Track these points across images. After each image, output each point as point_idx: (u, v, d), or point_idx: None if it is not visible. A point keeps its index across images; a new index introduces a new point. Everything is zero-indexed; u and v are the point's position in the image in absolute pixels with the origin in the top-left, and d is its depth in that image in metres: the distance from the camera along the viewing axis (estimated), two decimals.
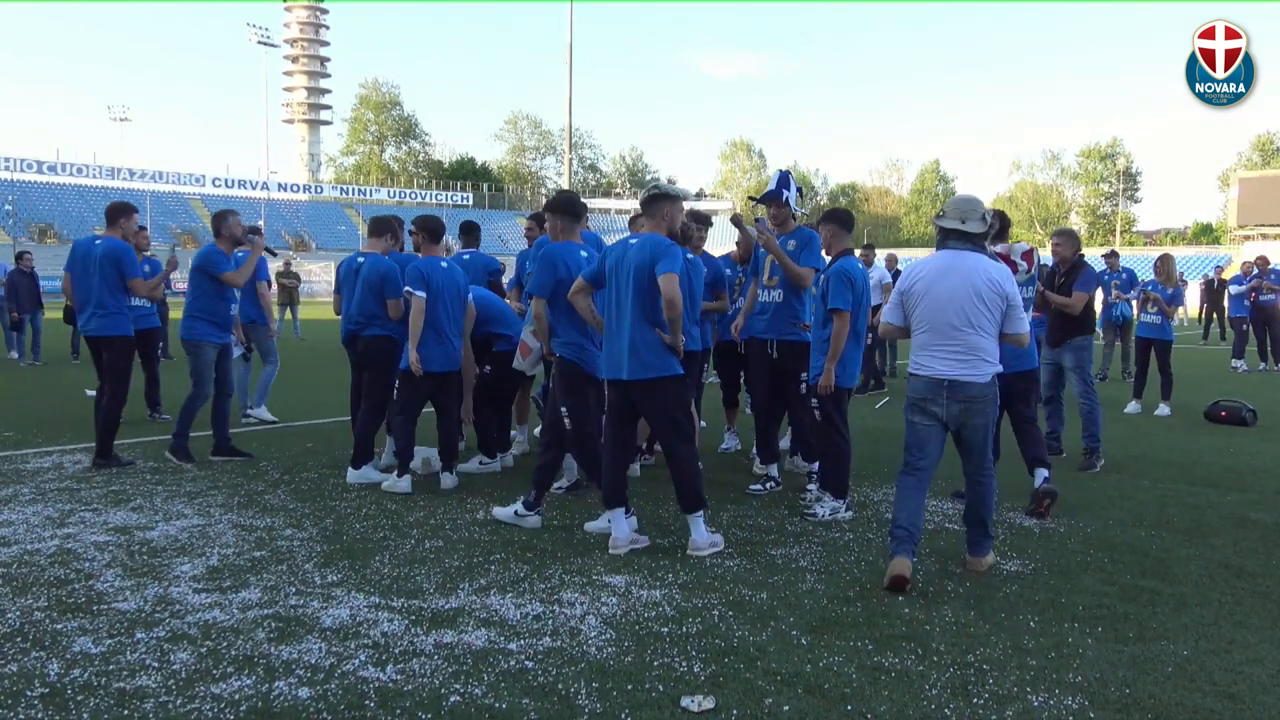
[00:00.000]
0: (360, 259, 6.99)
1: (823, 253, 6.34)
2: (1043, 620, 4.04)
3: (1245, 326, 16.53)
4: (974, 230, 4.65)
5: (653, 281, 4.89)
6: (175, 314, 10.32)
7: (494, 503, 6.00)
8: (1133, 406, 10.82)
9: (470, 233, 8.01)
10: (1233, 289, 17.08)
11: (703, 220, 7.18)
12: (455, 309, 6.43)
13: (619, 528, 5.02)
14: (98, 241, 7.17)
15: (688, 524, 5.03)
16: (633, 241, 5.08)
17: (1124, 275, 14.43)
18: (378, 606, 4.09)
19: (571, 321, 5.44)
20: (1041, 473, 6.02)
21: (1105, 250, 16.93)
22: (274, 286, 21.41)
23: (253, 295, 9.08)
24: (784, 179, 6.54)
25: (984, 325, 4.55)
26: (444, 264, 6.44)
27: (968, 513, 4.81)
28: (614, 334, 5.04)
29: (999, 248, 6.34)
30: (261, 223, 67.45)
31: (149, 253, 9.87)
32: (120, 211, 7.41)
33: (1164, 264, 11.22)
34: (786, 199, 6.42)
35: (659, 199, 5.13)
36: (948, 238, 4.70)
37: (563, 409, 5.43)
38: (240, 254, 7.81)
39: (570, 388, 5.46)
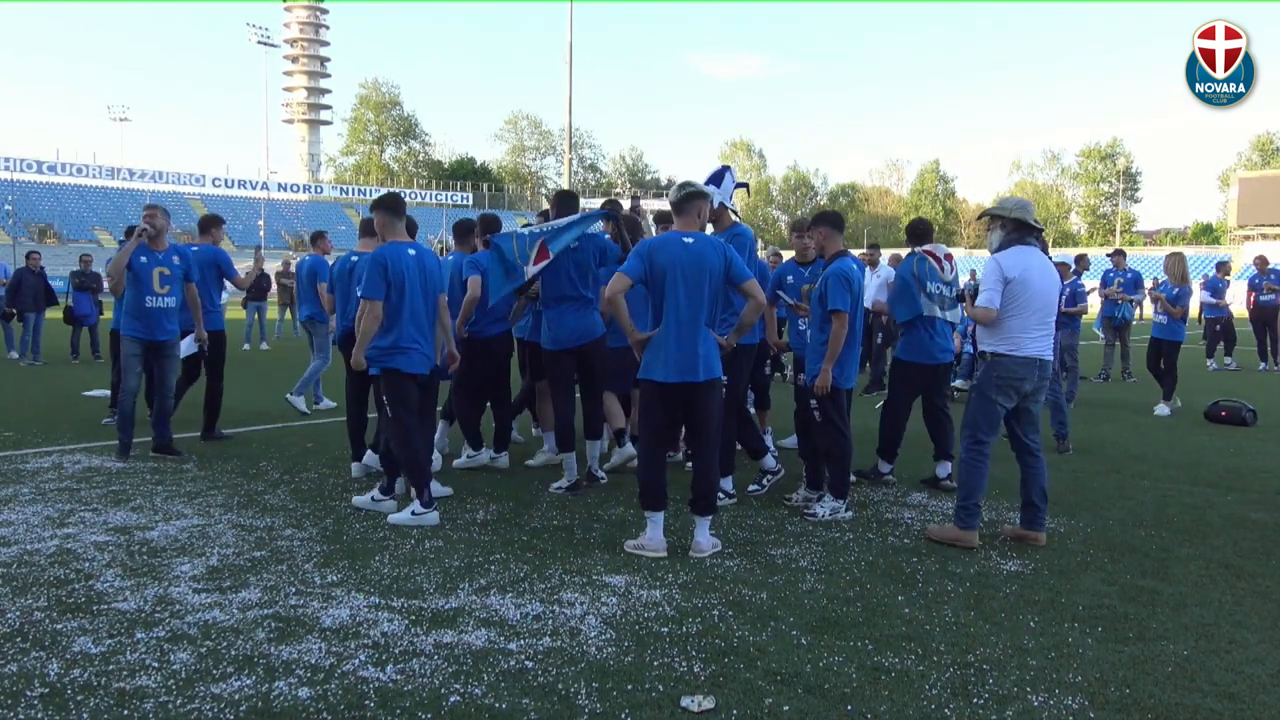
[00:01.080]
0: (354, 258, 7.00)
1: (815, 254, 6.34)
2: (1043, 620, 4.04)
3: (1218, 327, 16.55)
4: (1038, 226, 5.29)
5: (724, 284, 4.95)
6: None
7: (492, 501, 6.00)
8: (1161, 409, 10.71)
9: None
10: (1205, 297, 16.68)
11: (668, 219, 7.15)
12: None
13: (659, 530, 4.98)
14: (194, 249, 8.01)
15: (695, 526, 5.02)
16: (688, 240, 4.91)
17: (1129, 275, 14.30)
18: (378, 606, 4.09)
19: (390, 324, 5.52)
20: (946, 466, 6.51)
21: (1111, 250, 16.87)
22: (274, 285, 21.41)
23: (313, 294, 9.82)
24: (717, 175, 6.42)
25: (1056, 311, 5.33)
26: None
27: (1031, 489, 5.21)
28: (684, 336, 4.85)
29: (928, 247, 6.79)
30: (262, 222, 67.50)
31: None
32: (212, 222, 8.70)
33: (1170, 262, 11.22)
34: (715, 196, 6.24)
35: (695, 196, 5.03)
36: (1027, 233, 5.23)
37: (389, 410, 5.60)
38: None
39: (393, 389, 5.58)
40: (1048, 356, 5.14)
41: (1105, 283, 14.42)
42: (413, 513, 5.47)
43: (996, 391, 5.13)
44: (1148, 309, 24.91)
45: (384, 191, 6.40)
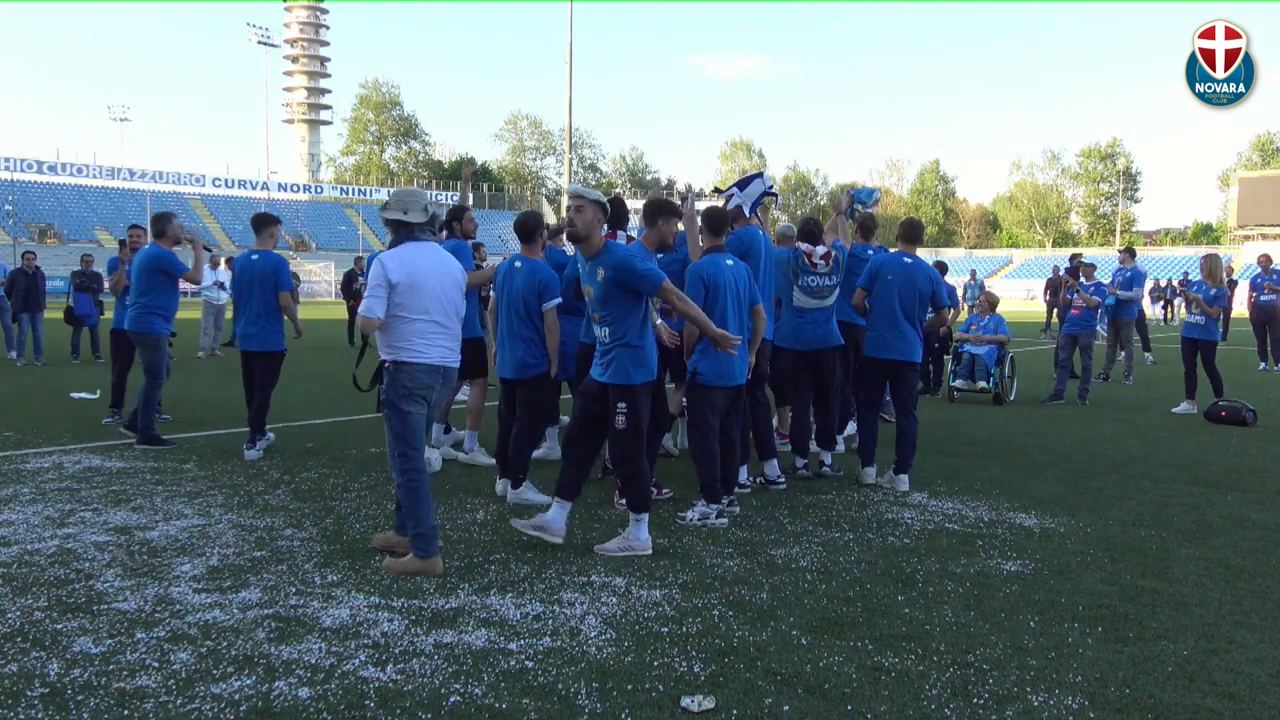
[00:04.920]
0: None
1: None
2: (1043, 620, 4.04)
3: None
4: (418, 222, 4.69)
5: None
6: (180, 314, 10.34)
7: (492, 501, 6.00)
8: (1184, 407, 10.74)
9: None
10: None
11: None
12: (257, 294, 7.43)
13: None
14: (254, 257, 7.63)
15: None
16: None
17: (1128, 274, 14.30)
18: (378, 606, 4.09)
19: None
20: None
21: (1122, 248, 16.89)
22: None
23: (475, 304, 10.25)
24: (744, 181, 7.01)
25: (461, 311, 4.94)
26: (254, 256, 7.49)
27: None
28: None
29: (804, 246, 6.92)
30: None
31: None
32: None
33: (1207, 263, 11.30)
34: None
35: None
36: (410, 231, 4.70)
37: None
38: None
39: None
40: (452, 363, 4.73)
41: (1111, 280, 14.46)
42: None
43: (407, 402, 4.57)
44: (1148, 310, 24.97)
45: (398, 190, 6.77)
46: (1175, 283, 26.64)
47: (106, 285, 9.09)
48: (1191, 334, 10.94)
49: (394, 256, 4.60)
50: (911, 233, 6.97)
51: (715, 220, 5.88)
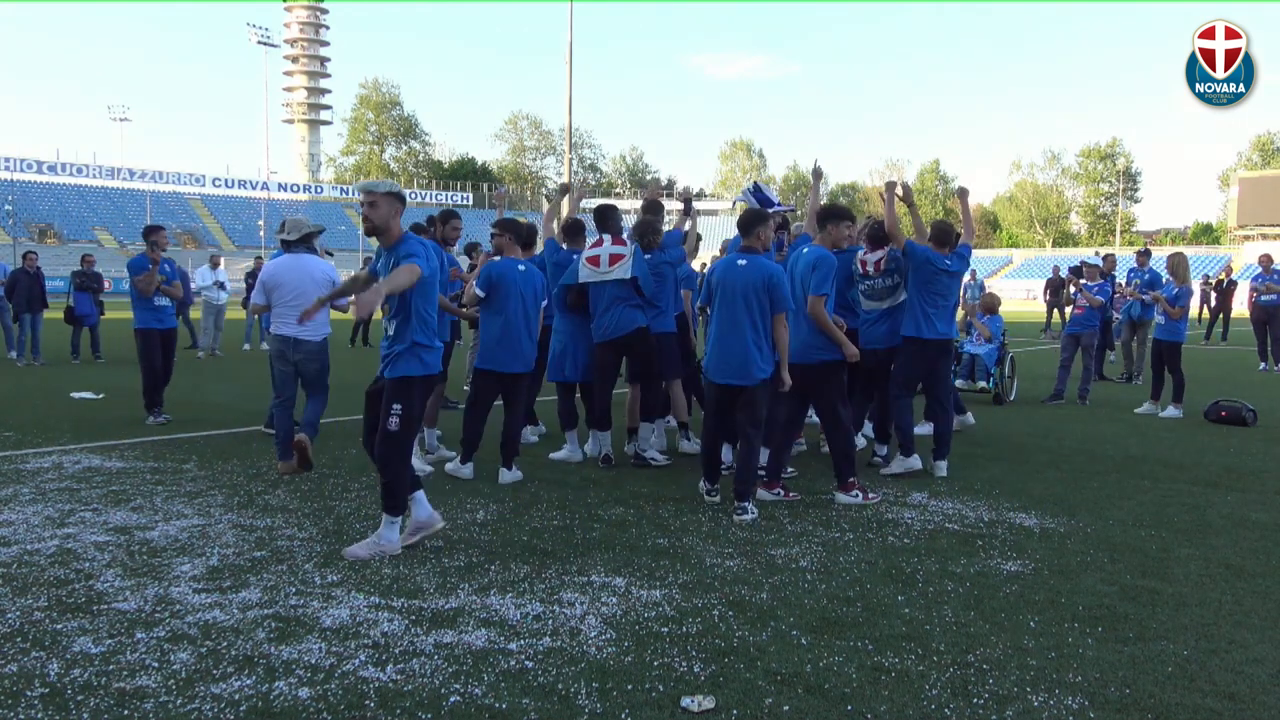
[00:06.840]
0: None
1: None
2: (1043, 620, 4.04)
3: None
4: (295, 239, 6.90)
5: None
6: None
7: (492, 501, 6.00)
8: (1146, 407, 10.73)
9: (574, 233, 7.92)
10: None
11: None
12: None
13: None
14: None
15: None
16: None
17: (1146, 275, 14.32)
18: (378, 606, 4.09)
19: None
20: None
21: (1139, 249, 16.89)
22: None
23: None
24: (758, 196, 7.63)
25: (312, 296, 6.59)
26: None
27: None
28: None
29: (870, 253, 7.34)
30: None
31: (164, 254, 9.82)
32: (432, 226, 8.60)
33: (1171, 262, 11.21)
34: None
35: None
36: (291, 247, 6.89)
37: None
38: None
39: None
40: (303, 336, 6.67)
41: (1126, 282, 14.53)
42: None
43: (274, 360, 6.86)
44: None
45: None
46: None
47: (135, 284, 9.05)
48: (1157, 334, 10.97)
49: (270, 263, 6.95)
50: (943, 235, 7.21)
51: (743, 221, 5.98)
